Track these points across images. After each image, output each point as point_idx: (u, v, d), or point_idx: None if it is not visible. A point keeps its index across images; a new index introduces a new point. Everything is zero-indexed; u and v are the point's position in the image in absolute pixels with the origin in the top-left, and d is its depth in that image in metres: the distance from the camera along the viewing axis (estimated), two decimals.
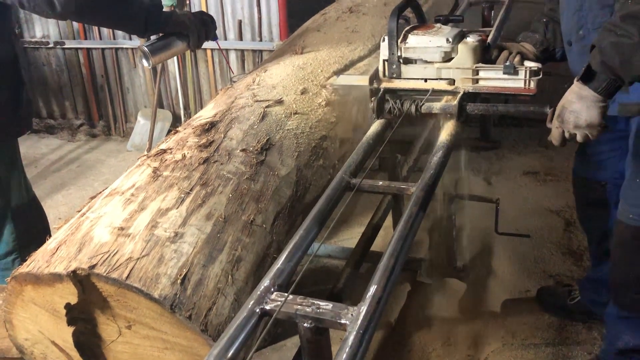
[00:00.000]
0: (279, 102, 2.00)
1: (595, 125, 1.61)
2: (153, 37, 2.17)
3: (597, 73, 1.57)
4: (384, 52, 2.02)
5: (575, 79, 1.63)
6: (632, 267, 1.98)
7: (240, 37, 4.28)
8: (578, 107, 1.61)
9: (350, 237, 3.06)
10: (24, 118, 2.23)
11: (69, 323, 1.46)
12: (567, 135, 1.67)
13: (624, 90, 1.66)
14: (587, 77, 1.59)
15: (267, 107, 1.96)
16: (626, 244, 1.97)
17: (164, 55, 2.15)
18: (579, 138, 1.66)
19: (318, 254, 2.73)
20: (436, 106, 1.92)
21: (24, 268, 1.46)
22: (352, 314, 1.17)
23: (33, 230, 2.36)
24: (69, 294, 1.41)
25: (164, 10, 2.10)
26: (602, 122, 1.61)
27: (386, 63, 2.02)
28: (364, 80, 2.05)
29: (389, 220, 2.47)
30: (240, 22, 4.25)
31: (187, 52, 3.26)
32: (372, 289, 1.23)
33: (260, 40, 4.25)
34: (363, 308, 1.18)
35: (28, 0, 1.85)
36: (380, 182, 1.72)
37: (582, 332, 2.40)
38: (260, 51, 4.27)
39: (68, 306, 1.43)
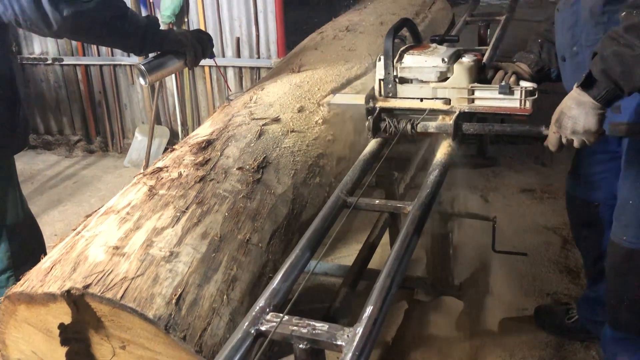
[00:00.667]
0: (276, 120, 2.00)
1: (593, 132, 1.62)
2: (150, 55, 2.18)
3: (597, 81, 1.57)
4: (380, 72, 2.03)
5: (575, 85, 1.63)
6: (626, 289, 1.97)
7: (238, 55, 4.30)
8: (576, 113, 1.61)
9: (347, 255, 3.06)
10: (20, 136, 2.23)
11: (63, 343, 1.45)
12: (564, 140, 1.68)
13: (614, 109, 1.66)
14: (587, 84, 1.59)
15: (264, 125, 1.96)
16: (620, 266, 1.97)
17: (160, 74, 2.16)
18: (575, 144, 1.66)
19: (315, 272, 2.71)
20: (432, 125, 1.93)
21: (18, 287, 1.44)
22: (348, 335, 1.17)
23: (28, 248, 2.35)
24: (63, 314, 1.40)
25: (161, 28, 2.12)
26: (599, 129, 1.62)
27: (382, 82, 2.03)
28: (360, 99, 2.06)
29: (386, 238, 2.47)
30: (238, 39, 4.28)
31: (184, 69, 3.27)
32: (369, 309, 1.22)
33: (258, 57, 4.27)
34: (359, 329, 1.17)
35: (24, 18, 1.84)
36: (377, 201, 1.71)
37: (580, 351, 2.39)
38: (258, 68, 4.29)
39: (62, 326, 1.42)
